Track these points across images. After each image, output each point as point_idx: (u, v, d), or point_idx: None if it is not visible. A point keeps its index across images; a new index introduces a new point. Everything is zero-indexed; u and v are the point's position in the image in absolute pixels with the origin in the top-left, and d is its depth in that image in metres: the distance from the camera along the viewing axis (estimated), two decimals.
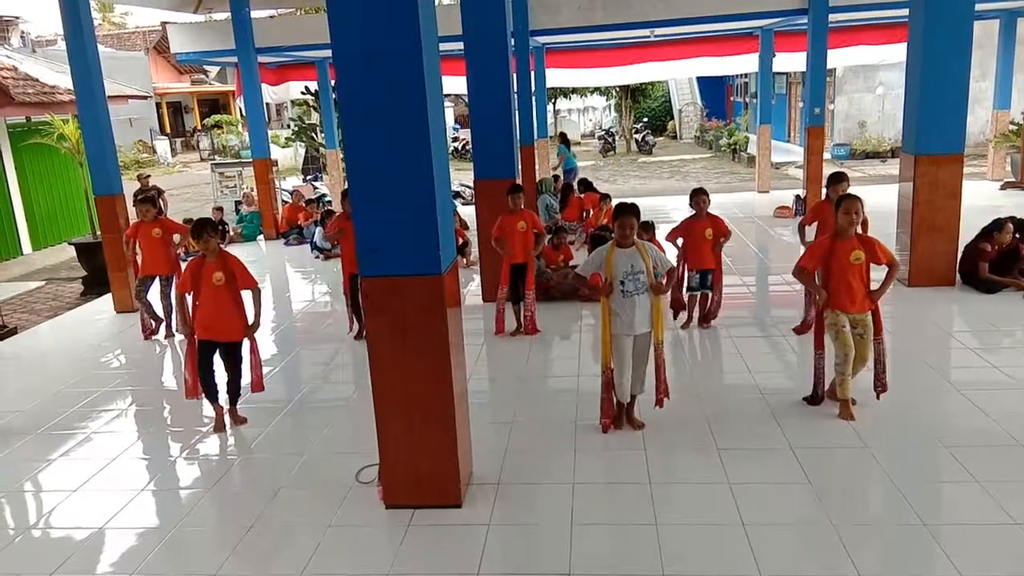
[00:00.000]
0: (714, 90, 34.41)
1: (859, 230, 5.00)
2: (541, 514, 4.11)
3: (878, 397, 5.04)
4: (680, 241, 6.81)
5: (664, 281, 4.87)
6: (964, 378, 5.58)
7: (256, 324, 5.42)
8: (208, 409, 5.65)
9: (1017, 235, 7.71)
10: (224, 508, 4.45)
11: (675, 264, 6.63)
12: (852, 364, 4.88)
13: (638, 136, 30.84)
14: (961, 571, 3.38)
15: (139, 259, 7.86)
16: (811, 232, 6.71)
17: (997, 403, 5.04)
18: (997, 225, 7.64)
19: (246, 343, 5.45)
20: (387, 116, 3.73)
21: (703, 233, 6.71)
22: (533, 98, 15.49)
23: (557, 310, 7.66)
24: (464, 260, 10.21)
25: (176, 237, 7.74)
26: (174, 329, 7.83)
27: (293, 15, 17.49)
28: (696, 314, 7.02)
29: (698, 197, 6.73)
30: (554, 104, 34.70)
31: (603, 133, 31.48)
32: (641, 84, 31.73)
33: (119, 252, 8.62)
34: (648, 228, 7.30)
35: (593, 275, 4.94)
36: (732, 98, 34.00)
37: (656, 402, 5.04)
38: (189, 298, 5.37)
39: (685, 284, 6.92)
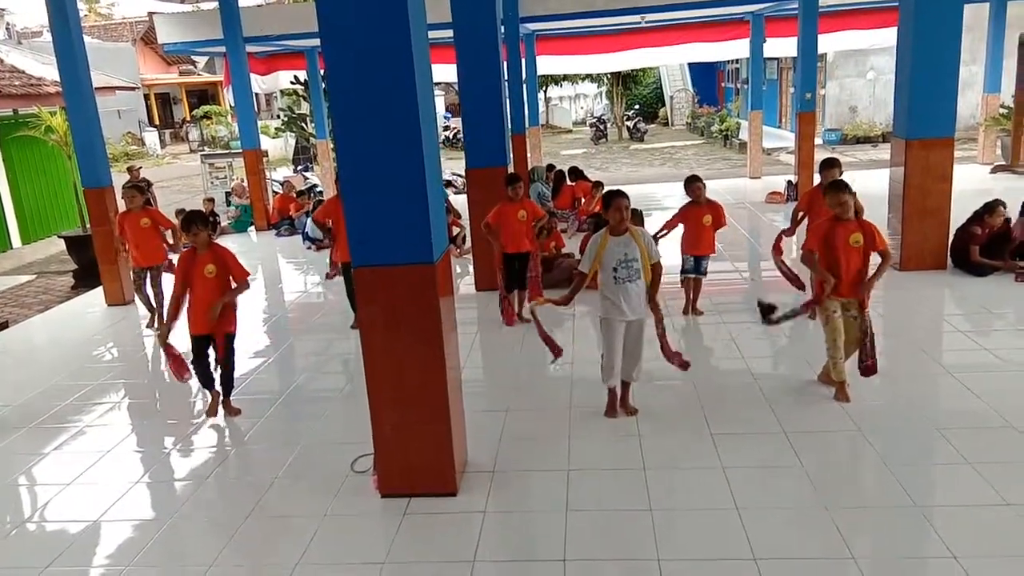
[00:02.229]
0: (705, 76, 34.40)
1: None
2: (536, 501, 4.13)
3: (864, 374, 4.99)
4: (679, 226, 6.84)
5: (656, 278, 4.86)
6: (956, 361, 5.61)
7: (217, 309, 5.18)
8: (199, 402, 5.65)
9: (1007, 218, 7.74)
10: (219, 499, 4.44)
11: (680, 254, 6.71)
12: (844, 347, 4.91)
13: (630, 123, 30.82)
14: (953, 551, 3.41)
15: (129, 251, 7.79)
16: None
17: (989, 385, 5.07)
18: (988, 208, 7.67)
19: (237, 336, 5.44)
20: (377, 105, 3.70)
21: (701, 219, 6.72)
22: (524, 86, 15.44)
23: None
24: (457, 250, 10.19)
25: (169, 234, 7.65)
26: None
27: (281, 4, 17.37)
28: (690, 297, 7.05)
29: (692, 185, 6.74)
30: (545, 92, 34.64)
31: (595, 120, 31.41)
32: (632, 71, 31.70)
33: (109, 245, 8.56)
34: (636, 215, 7.30)
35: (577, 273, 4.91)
36: (723, 84, 34.00)
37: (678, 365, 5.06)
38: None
39: (680, 267, 6.94)
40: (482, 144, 7.94)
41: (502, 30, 8.19)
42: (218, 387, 5.46)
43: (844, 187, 4.90)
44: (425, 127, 3.78)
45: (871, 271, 4.90)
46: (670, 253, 6.48)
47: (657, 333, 4.91)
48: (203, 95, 42.45)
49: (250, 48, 14.66)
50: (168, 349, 5.48)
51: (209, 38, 14.66)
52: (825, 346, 4.99)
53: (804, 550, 3.53)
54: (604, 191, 5.16)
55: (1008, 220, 7.72)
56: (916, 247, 7.79)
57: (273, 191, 15.02)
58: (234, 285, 5.34)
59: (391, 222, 3.84)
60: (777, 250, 6.38)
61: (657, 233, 6.54)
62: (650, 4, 13.96)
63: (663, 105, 36.32)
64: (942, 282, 7.53)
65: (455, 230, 10.42)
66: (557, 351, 5.08)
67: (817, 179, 6.95)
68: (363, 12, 3.61)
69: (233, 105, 15.92)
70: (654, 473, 4.26)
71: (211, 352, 5.39)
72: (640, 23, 16.74)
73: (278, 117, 29.88)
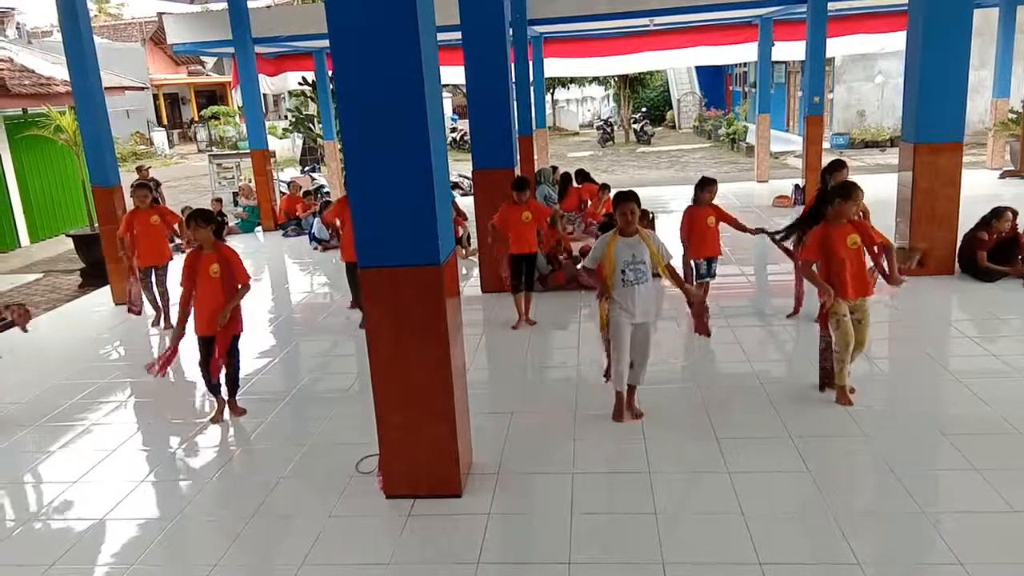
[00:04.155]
0: (713, 79, 34.34)
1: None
2: (541, 503, 4.12)
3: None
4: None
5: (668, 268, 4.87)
6: (963, 366, 5.59)
7: (225, 316, 5.19)
8: (204, 402, 5.66)
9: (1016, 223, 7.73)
10: (224, 499, 4.45)
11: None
12: (852, 352, 4.90)
13: (637, 126, 30.76)
14: (959, 558, 3.39)
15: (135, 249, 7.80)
16: None
17: (996, 391, 5.04)
18: (995, 213, 7.64)
19: (243, 337, 5.45)
20: (385, 106, 3.71)
21: (705, 220, 6.69)
22: (531, 88, 15.45)
23: (555, 300, 7.66)
24: (463, 251, 10.20)
25: (177, 227, 7.68)
26: (171, 320, 7.81)
27: (290, 4, 17.42)
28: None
29: (708, 187, 6.71)
30: (552, 94, 34.63)
31: (602, 123, 31.39)
32: (639, 74, 31.65)
33: (117, 244, 8.57)
34: (645, 217, 7.29)
35: (599, 266, 4.90)
36: (731, 87, 33.93)
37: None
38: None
39: (693, 272, 6.92)
40: (489, 146, 7.95)
41: (510, 32, 8.19)
42: (223, 394, 5.46)
43: (854, 191, 4.88)
44: (433, 128, 3.78)
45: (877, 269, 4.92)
46: (676, 257, 6.47)
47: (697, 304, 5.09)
48: (211, 95, 42.58)
49: (259, 49, 14.69)
50: (173, 348, 5.44)
51: (218, 39, 14.69)
52: (834, 349, 4.97)
53: (809, 555, 3.52)
54: (615, 193, 5.14)
55: (1016, 226, 7.69)
56: (924, 252, 7.75)
57: (280, 192, 15.06)
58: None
59: (398, 223, 3.84)
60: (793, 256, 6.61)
61: (690, 259, 6.62)
62: (658, 7, 13.95)
63: (670, 108, 36.26)
64: (950, 287, 7.50)
65: (459, 231, 10.42)
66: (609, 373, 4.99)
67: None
68: (372, 13, 3.61)
69: (241, 105, 15.97)
70: (659, 476, 4.25)
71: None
72: (648, 26, 16.73)
73: (286, 118, 29.95)
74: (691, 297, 5.10)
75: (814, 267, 4.99)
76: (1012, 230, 7.61)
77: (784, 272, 8.27)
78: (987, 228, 7.61)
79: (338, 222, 7.18)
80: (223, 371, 5.40)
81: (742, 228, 6.77)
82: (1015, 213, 7.77)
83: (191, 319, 5.34)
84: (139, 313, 7.78)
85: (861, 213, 5.11)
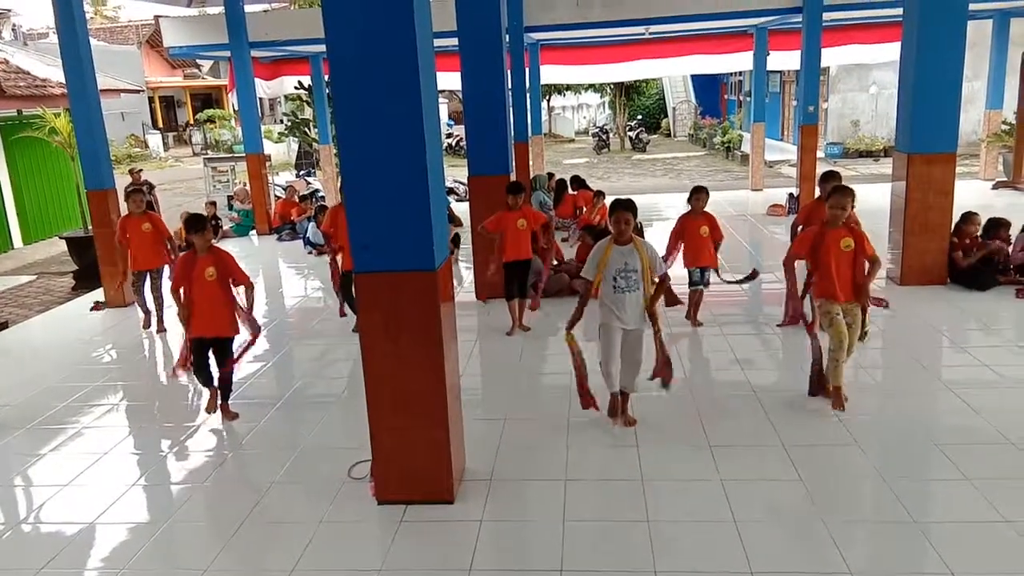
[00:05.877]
0: (708, 88, 34.48)
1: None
2: (533, 510, 4.11)
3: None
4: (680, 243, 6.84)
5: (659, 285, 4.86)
6: (955, 376, 5.60)
7: (255, 324, 5.37)
8: (196, 405, 5.65)
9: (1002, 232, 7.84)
10: (215, 503, 4.43)
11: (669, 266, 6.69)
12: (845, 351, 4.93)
13: (632, 134, 30.89)
14: (951, 568, 3.39)
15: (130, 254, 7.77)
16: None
17: (987, 401, 5.06)
18: (964, 218, 7.90)
19: (238, 338, 5.45)
20: (381, 112, 3.71)
21: (698, 230, 6.73)
22: (527, 95, 15.48)
23: (549, 307, 7.65)
24: (454, 252, 10.19)
25: (168, 242, 7.64)
26: (164, 324, 7.79)
27: (287, 9, 17.43)
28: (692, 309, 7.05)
29: (696, 195, 6.76)
30: (548, 101, 34.72)
31: (597, 130, 31.48)
32: (635, 81, 31.79)
33: (111, 247, 8.54)
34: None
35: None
36: (726, 96, 34.06)
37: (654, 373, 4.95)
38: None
39: (688, 280, 6.93)
40: (485, 152, 7.95)
41: (506, 39, 8.21)
42: (215, 384, 5.46)
43: (850, 192, 4.94)
44: (429, 134, 3.78)
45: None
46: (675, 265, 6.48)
47: (656, 342, 4.87)
48: (207, 99, 42.57)
49: (255, 53, 14.70)
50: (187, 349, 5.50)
51: (214, 42, 14.70)
52: (829, 348, 4.99)
53: (801, 564, 3.52)
54: (612, 199, 5.15)
55: (1008, 236, 7.77)
56: (917, 261, 7.80)
57: (275, 195, 15.04)
58: (236, 290, 5.35)
59: (393, 228, 3.84)
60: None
61: (669, 258, 6.59)
62: (655, 16, 14.01)
63: (665, 116, 36.41)
64: (942, 297, 7.53)
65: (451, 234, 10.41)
66: (588, 402, 4.94)
67: (818, 192, 6.96)
68: (369, 19, 3.62)
69: (237, 109, 15.96)
70: (652, 484, 4.25)
71: (211, 356, 5.41)
72: (644, 34, 16.79)
73: (281, 122, 29.97)
74: (655, 326, 4.87)
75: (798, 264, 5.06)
76: (975, 239, 7.76)
77: (778, 281, 8.30)
78: (957, 234, 7.81)
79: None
80: (217, 373, 5.40)
81: (715, 249, 6.80)
82: (1007, 224, 7.85)
83: (186, 323, 5.35)
84: (148, 325, 7.84)
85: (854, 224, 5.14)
